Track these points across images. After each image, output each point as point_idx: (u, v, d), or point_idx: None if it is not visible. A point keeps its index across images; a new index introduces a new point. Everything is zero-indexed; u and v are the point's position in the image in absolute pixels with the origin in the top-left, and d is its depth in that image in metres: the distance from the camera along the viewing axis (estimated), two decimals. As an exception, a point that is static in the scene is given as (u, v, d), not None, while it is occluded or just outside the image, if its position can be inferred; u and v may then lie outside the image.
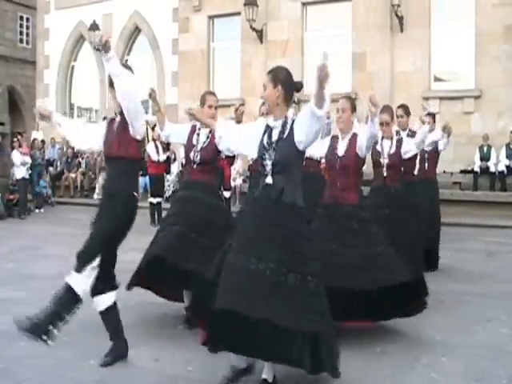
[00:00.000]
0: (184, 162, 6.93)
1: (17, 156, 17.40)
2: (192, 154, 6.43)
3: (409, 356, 5.36)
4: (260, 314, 4.20)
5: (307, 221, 4.80)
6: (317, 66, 4.23)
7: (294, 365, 4.43)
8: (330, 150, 6.22)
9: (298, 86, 4.68)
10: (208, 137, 6.45)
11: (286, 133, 4.52)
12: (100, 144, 5.39)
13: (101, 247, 5.27)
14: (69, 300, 5.18)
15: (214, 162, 6.49)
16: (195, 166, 6.42)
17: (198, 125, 6.48)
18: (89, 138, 5.51)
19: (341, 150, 6.11)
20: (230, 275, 4.38)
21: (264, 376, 4.65)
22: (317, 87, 4.22)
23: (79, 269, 5.27)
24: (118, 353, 5.22)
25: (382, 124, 7.08)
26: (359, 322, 5.90)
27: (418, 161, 8.54)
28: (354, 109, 6.14)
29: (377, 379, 4.83)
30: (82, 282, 5.21)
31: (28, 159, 17.62)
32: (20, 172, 17.38)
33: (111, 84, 5.24)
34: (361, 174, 6.30)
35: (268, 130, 4.64)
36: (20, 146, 17.80)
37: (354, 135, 6.12)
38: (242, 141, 4.87)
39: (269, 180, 4.53)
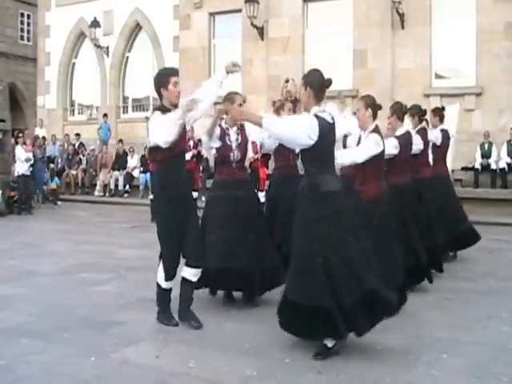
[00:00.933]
0: (217, 163, 7.08)
1: (21, 152, 17.35)
2: (232, 154, 6.76)
3: (409, 353, 5.35)
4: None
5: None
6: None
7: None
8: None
9: (327, 83, 5.37)
10: (238, 134, 6.82)
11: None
12: None
13: None
14: None
15: (244, 158, 6.98)
16: (235, 165, 6.79)
17: (224, 125, 6.82)
18: None
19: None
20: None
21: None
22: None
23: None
24: None
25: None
26: None
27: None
28: (367, 106, 6.33)
29: (377, 377, 4.82)
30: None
31: (31, 156, 17.57)
32: (22, 168, 17.33)
33: None
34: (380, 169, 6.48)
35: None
36: (24, 142, 17.76)
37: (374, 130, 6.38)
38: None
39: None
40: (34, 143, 19.15)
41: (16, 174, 17.54)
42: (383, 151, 6.34)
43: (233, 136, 6.81)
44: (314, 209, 5.15)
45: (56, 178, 20.63)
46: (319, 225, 5.09)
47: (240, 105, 6.58)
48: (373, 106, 6.34)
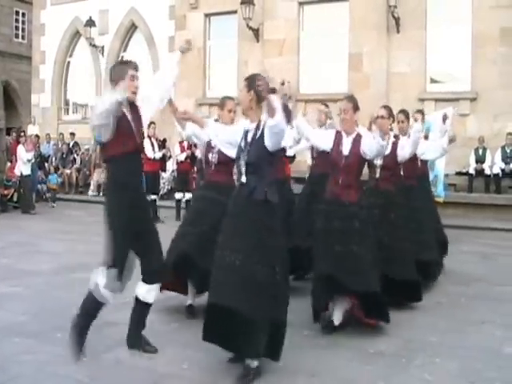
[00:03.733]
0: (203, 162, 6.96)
1: (23, 152, 17.27)
2: (210, 156, 6.56)
3: (402, 357, 5.37)
4: (230, 304, 4.63)
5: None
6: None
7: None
8: (335, 147, 6.28)
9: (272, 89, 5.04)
10: None
11: (258, 135, 4.87)
12: None
13: None
14: None
15: (229, 163, 6.36)
16: (213, 167, 6.57)
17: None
18: None
19: (345, 148, 6.18)
20: (215, 270, 4.88)
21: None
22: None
23: None
24: None
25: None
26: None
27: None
28: (356, 108, 6.21)
29: (370, 380, 4.83)
30: None
31: (31, 156, 17.48)
32: (25, 169, 17.27)
33: None
34: (361, 173, 6.35)
35: (245, 132, 5.02)
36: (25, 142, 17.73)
37: (358, 136, 6.20)
38: (229, 143, 5.33)
39: (243, 179, 4.92)
40: (35, 144, 19.07)
41: (18, 174, 17.42)
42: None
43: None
44: None
45: (55, 176, 20.56)
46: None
47: (230, 111, 6.45)
48: (358, 109, 6.24)
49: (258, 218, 4.81)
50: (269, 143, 4.78)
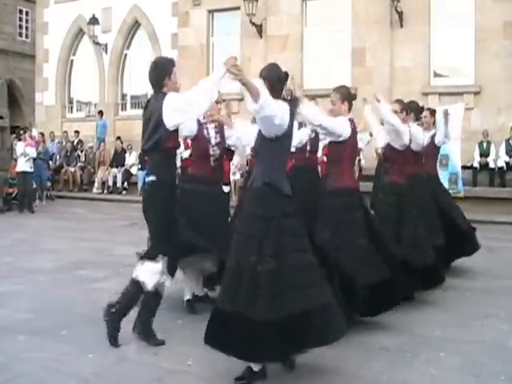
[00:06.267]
0: (195, 156, 6.84)
1: (19, 147, 17.26)
2: (211, 149, 6.52)
3: (407, 352, 5.36)
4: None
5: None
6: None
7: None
8: (354, 134, 6.28)
9: (284, 77, 4.96)
10: (217, 132, 6.54)
11: None
12: None
13: None
14: None
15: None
16: (213, 161, 6.54)
17: (202, 119, 6.50)
18: None
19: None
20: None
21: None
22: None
23: None
24: None
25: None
26: None
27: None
28: (344, 99, 6.13)
29: (375, 375, 4.82)
30: None
31: (28, 151, 17.40)
32: (20, 164, 17.23)
33: None
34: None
35: None
36: (31, 137, 17.72)
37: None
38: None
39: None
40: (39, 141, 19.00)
41: (19, 170, 17.41)
42: (350, 139, 6.12)
43: (212, 132, 6.57)
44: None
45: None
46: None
47: (217, 102, 6.25)
48: (349, 98, 6.17)
49: (252, 210, 4.73)
50: (262, 128, 4.74)
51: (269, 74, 4.87)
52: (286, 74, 4.95)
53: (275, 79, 4.86)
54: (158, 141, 5.32)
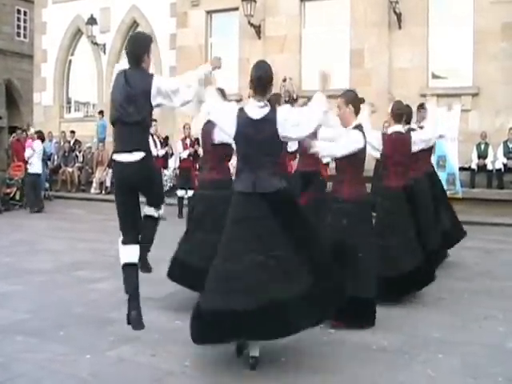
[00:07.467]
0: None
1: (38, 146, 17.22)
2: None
3: (405, 353, 5.36)
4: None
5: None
6: None
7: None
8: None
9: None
10: None
11: None
12: None
13: None
14: None
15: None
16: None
17: None
18: None
19: None
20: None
21: (252, 354, 4.95)
22: None
23: None
24: None
25: None
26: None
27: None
28: (348, 102, 6.19)
29: (373, 376, 4.82)
30: None
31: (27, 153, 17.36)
32: (39, 166, 17.16)
33: None
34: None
35: None
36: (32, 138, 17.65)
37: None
38: None
39: None
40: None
41: (35, 172, 17.18)
42: (362, 150, 6.19)
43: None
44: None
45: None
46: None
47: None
48: (353, 101, 6.22)
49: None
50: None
51: (251, 74, 5.20)
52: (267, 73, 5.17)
53: (254, 79, 5.17)
54: (146, 117, 5.40)
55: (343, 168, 6.19)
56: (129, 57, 5.52)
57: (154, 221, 5.78)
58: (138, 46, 5.55)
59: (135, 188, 5.41)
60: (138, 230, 5.49)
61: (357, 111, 6.23)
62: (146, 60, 5.51)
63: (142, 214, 5.56)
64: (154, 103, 5.36)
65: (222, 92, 6.21)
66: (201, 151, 15.59)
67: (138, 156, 5.30)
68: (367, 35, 17.89)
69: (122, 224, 5.45)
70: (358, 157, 6.18)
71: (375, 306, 6.13)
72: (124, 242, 5.39)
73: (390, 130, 7.60)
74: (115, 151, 5.43)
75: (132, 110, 5.31)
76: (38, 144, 17.17)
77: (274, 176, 5.01)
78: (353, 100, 6.23)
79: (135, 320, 5.23)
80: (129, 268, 5.36)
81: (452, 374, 4.89)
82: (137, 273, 5.36)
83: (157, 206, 5.75)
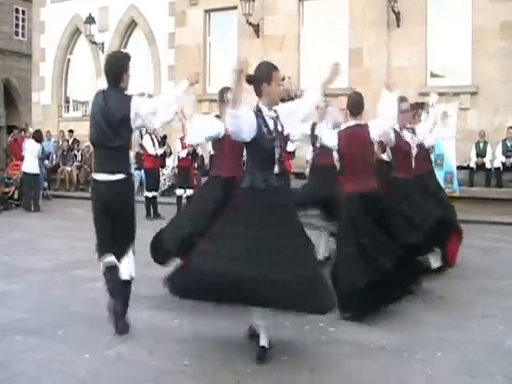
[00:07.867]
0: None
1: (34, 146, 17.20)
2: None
3: (404, 351, 5.36)
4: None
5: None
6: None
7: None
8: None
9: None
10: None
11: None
12: None
13: None
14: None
15: None
16: None
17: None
18: None
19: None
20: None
21: (262, 343, 5.04)
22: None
23: None
24: None
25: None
26: None
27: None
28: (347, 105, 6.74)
29: (371, 375, 4.83)
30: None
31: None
32: (35, 166, 17.13)
33: None
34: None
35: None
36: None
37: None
38: None
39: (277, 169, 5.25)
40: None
41: (31, 172, 17.14)
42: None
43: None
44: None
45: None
46: None
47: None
48: (351, 105, 6.43)
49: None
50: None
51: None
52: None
53: (256, 78, 5.55)
54: (126, 140, 5.58)
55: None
56: (108, 76, 5.71)
57: (126, 287, 5.85)
58: (116, 65, 5.71)
59: (108, 208, 5.61)
60: (114, 247, 5.82)
61: (357, 113, 6.43)
62: (125, 78, 5.67)
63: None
64: (133, 126, 5.56)
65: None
66: (199, 150, 15.67)
67: (118, 176, 5.50)
68: (366, 34, 17.90)
69: (99, 239, 5.93)
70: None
71: None
72: (102, 254, 5.74)
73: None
74: (96, 171, 5.64)
75: (113, 135, 5.49)
76: (29, 143, 17.17)
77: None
78: (351, 103, 6.86)
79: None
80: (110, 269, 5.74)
81: (451, 373, 4.89)
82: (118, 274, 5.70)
83: (127, 244, 5.85)
